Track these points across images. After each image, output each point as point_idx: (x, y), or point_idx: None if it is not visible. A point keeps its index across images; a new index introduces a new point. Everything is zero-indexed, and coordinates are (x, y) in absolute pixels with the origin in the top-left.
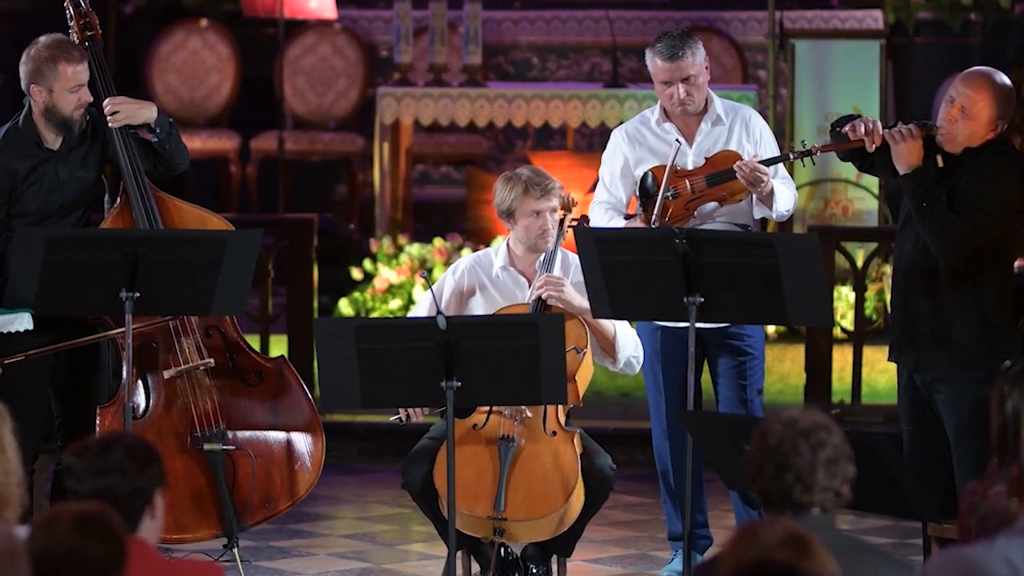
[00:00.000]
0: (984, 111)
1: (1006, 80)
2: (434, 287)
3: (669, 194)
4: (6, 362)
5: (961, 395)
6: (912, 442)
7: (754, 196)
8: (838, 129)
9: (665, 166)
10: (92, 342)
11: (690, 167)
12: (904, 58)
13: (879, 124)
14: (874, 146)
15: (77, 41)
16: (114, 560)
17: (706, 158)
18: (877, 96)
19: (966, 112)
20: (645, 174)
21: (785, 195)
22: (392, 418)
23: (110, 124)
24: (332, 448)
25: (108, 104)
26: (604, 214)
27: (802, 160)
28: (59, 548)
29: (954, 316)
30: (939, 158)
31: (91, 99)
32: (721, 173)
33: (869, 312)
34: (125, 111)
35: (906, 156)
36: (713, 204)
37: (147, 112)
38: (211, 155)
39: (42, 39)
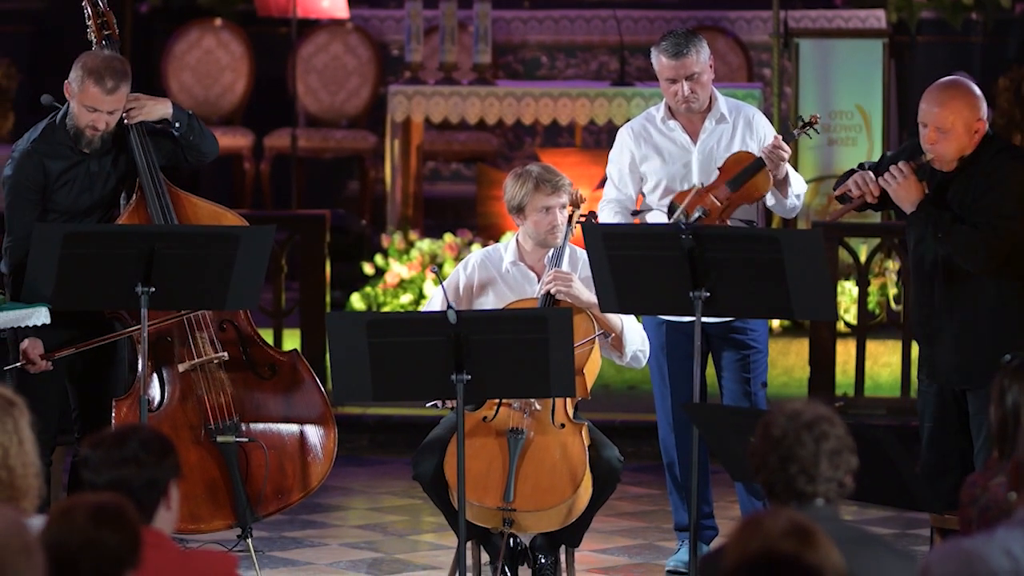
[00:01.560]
0: (957, 123)
1: (966, 83)
2: (445, 282)
3: (700, 214)
4: (56, 356)
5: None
6: (935, 435)
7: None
8: (837, 193)
9: (684, 192)
10: (121, 337)
11: (696, 177)
12: (907, 57)
13: (870, 175)
14: (876, 197)
15: (94, 40)
16: (129, 550)
17: (718, 168)
18: (880, 94)
19: (941, 131)
20: (671, 204)
21: (797, 179)
22: (428, 404)
23: (125, 121)
24: (344, 440)
25: None
26: (613, 217)
27: (807, 133)
28: (75, 538)
29: (978, 321)
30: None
31: (105, 128)
32: (739, 175)
33: (872, 307)
34: (140, 107)
35: (905, 196)
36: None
37: (162, 108)
38: (225, 152)
39: (105, 53)
